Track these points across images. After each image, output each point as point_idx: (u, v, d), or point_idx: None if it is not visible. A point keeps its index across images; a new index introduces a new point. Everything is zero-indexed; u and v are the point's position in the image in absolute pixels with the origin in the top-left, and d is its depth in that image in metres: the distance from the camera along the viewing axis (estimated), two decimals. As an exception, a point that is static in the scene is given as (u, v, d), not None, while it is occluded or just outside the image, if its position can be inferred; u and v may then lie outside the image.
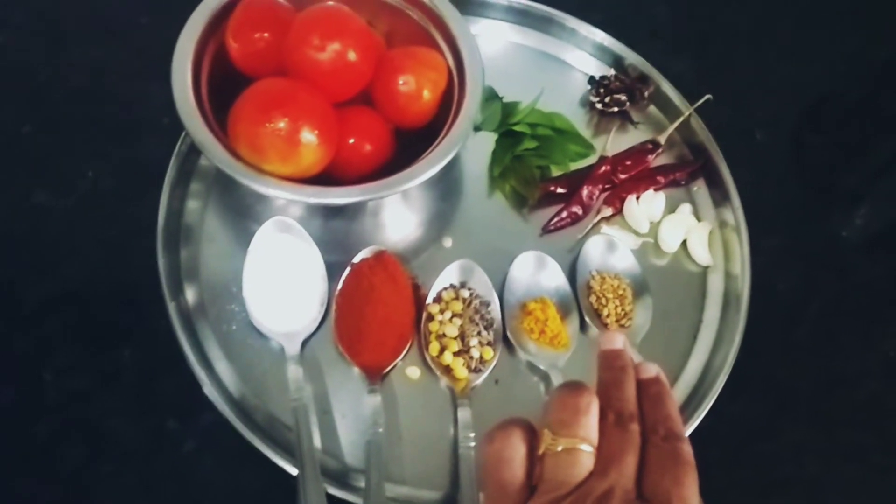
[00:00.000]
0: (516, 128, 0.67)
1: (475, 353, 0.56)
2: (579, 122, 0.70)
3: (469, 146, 0.67)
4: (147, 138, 0.66)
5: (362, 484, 0.51)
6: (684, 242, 0.65)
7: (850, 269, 0.68)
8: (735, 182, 0.66)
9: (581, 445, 0.33)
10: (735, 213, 0.65)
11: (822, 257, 0.68)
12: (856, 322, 0.66)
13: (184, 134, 0.61)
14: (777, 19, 0.83)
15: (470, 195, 0.66)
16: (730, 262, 0.64)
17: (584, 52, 0.74)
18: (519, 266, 0.61)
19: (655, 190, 0.67)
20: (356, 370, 0.56)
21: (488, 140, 0.68)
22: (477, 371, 0.56)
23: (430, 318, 0.58)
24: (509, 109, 0.69)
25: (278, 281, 0.58)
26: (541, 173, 0.67)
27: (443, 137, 0.57)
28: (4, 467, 0.53)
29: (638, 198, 0.66)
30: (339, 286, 0.58)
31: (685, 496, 0.32)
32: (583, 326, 0.60)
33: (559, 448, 0.33)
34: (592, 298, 0.61)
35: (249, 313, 0.57)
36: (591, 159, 0.68)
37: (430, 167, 0.55)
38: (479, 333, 0.57)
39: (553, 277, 0.61)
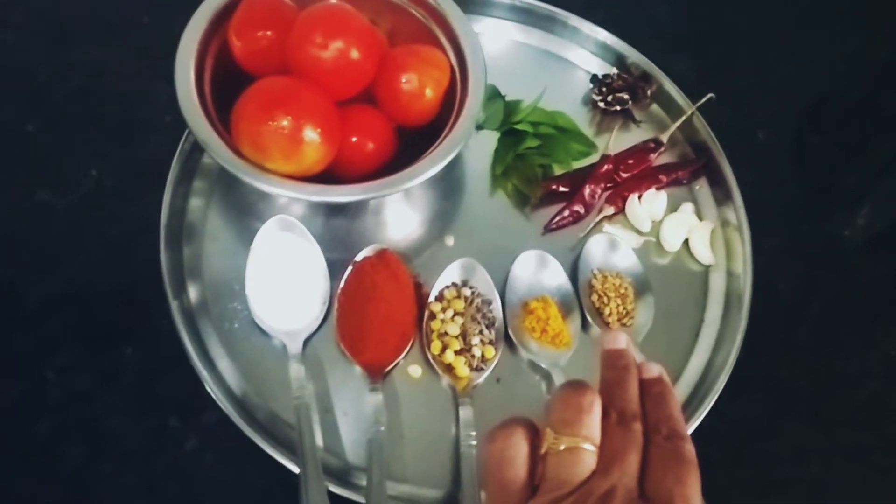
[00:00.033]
0: (518, 126, 0.67)
1: (477, 352, 0.56)
2: (581, 120, 0.70)
3: (471, 145, 0.67)
4: (149, 137, 0.66)
5: (364, 482, 0.51)
6: (686, 241, 0.65)
7: (851, 268, 0.68)
8: (737, 181, 0.66)
9: (583, 444, 0.33)
10: (737, 213, 0.65)
11: (823, 257, 0.68)
12: (857, 322, 0.66)
13: (186, 132, 0.61)
14: (777, 19, 0.83)
15: (472, 194, 0.66)
16: (731, 262, 0.64)
17: (587, 51, 0.74)
18: (521, 265, 0.61)
19: (657, 189, 0.67)
20: (358, 368, 0.56)
21: (490, 139, 0.68)
22: (478, 370, 0.56)
23: (432, 316, 0.58)
24: (512, 108, 0.69)
25: (280, 279, 0.58)
26: (543, 172, 0.67)
27: (445, 136, 0.57)
28: (5, 467, 0.53)
29: (640, 197, 0.66)
30: (341, 284, 0.58)
31: (687, 495, 0.32)
32: (584, 325, 0.60)
33: (561, 447, 0.33)
34: (594, 297, 0.61)
35: (252, 311, 0.57)
36: (594, 158, 0.68)
37: (432, 166, 0.55)
38: (480, 332, 0.57)
39: (555, 276, 0.61)
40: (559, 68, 0.74)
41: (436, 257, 0.61)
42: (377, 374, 0.55)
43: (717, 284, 0.64)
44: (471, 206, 0.65)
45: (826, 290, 0.67)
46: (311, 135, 0.53)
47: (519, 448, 0.34)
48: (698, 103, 0.68)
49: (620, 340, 0.39)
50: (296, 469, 0.50)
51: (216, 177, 0.63)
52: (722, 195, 0.67)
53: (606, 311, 0.59)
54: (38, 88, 0.68)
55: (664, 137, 0.69)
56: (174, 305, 0.56)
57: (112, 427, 0.54)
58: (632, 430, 0.34)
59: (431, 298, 0.59)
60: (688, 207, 0.67)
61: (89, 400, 0.55)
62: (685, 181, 0.68)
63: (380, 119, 0.60)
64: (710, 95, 0.68)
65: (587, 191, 0.65)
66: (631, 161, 0.67)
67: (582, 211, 0.65)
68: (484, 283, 0.59)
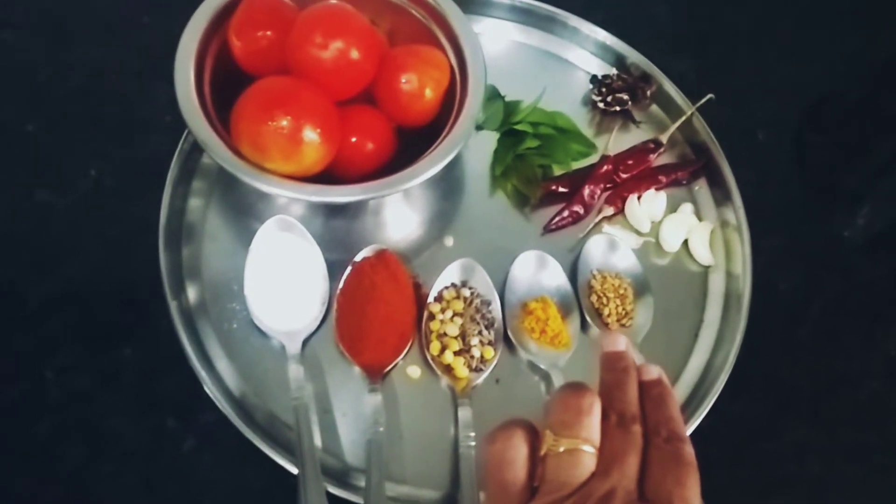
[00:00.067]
0: (518, 127, 0.67)
1: (476, 353, 0.56)
2: (581, 121, 0.70)
3: (471, 145, 0.67)
4: (149, 137, 0.66)
5: (363, 483, 0.51)
6: (686, 242, 0.65)
7: (851, 268, 0.68)
8: (736, 182, 0.66)
9: (583, 446, 0.33)
10: (736, 213, 0.65)
11: (823, 257, 0.68)
12: (857, 322, 0.66)
13: (186, 132, 0.61)
14: (777, 19, 0.83)
15: (471, 194, 0.66)
16: (731, 262, 0.64)
17: (587, 51, 0.74)
18: (520, 265, 0.61)
19: (657, 189, 0.67)
20: (357, 369, 0.56)
21: (490, 139, 0.68)
22: (478, 370, 0.56)
23: (431, 317, 0.58)
24: (511, 108, 0.69)
25: (280, 279, 0.58)
26: (542, 172, 0.67)
27: (445, 136, 0.57)
28: (4, 467, 0.53)
29: (639, 197, 0.66)
30: (341, 285, 0.58)
31: (687, 497, 0.32)
32: (584, 326, 0.60)
33: (561, 449, 0.33)
34: (593, 298, 0.61)
35: (251, 312, 0.57)
36: (593, 158, 0.68)
37: (431, 166, 0.55)
38: (479, 333, 0.57)
39: (554, 277, 0.61)
40: (559, 69, 0.74)
41: (435, 258, 0.61)
42: (376, 374, 0.55)
43: (717, 285, 0.64)
44: (470, 207, 0.65)
45: (826, 290, 0.66)
46: (310, 135, 0.53)
47: (518, 450, 0.34)
48: (698, 104, 0.68)
49: (620, 342, 0.39)
50: (294, 470, 0.50)
51: (215, 177, 0.63)
52: (721, 196, 0.67)
53: (606, 311, 0.59)
54: (38, 88, 0.68)
55: (664, 138, 0.69)
56: (173, 306, 0.56)
57: (111, 427, 0.54)
58: (631, 432, 0.34)
59: (431, 299, 0.59)
60: (687, 208, 0.67)
61: (89, 400, 0.55)
62: (685, 182, 0.68)
63: (379, 119, 0.60)
64: (709, 96, 0.68)
65: (587, 191, 0.65)
66: (630, 161, 0.67)
67: (581, 211, 0.65)
68: (483, 284, 0.59)
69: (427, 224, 0.64)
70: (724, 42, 0.81)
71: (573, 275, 0.62)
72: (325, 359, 0.57)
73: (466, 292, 0.59)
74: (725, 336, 0.61)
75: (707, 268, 0.65)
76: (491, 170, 0.67)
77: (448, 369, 0.56)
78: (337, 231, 0.62)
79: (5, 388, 0.55)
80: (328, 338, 0.57)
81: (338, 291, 0.58)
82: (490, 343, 0.57)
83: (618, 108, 0.70)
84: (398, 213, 0.65)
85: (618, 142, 0.69)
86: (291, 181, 0.54)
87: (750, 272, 0.63)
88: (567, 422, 0.34)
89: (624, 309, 0.60)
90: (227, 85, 0.57)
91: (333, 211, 0.62)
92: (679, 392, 0.59)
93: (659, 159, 0.69)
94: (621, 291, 0.60)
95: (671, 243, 0.64)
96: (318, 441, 0.53)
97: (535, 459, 0.34)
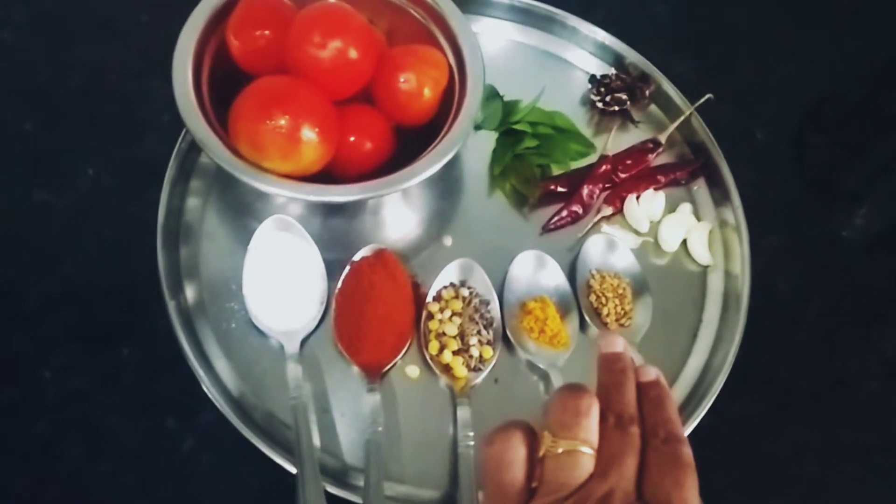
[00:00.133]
0: (517, 126, 0.67)
1: (475, 352, 0.56)
2: (580, 120, 0.70)
3: (469, 145, 0.67)
4: (147, 136, 0.66)
5: (361, 483, 0.51)
6: (684, 242, 0.65)
7: (850, 268, 0.68)
8: (735, 181, 0.66)
9: (581, 447, 0.33)
10: (735, 213, 0.65)
11: (822, 257, 0.68)
12: (856, 322, 0.66)
13: (184, 131, 0.61)
14: (777, 19, 0.83)
15: (470, 194, 0.66)
16: (730, 262, 0.64)
17: (585, 51, 0.74)
18: (519, 265, 0.61)
19: (656, 189, 0.67)
20: (355, 369, 0.56)
21: (489, 138, 0.68)
22: (476, 370, 0.56)
23: (430, 316, 0.58)
24: (510, 108, 0.69)
25: (278, 279, 0.58)
26: (541, 172, 0.67)
27: (443, 136, 0.57)
28: (4, 467, 0.53)
29: (638, 197, 0.66)
30: (339, 285, 0.58)
31: (685, 498, 0.32)
32: (582, 326, 0.60)
33: (559, 450, 0.33)
34: (592, 297, 0.60)
35: (249, 311, 0.57)
36: (592, 158, 0.68)
37: (430, 165, 0.55)
38: (478, 332, 0.57)
39: (553, 276, 0.61)
40: (558, 68, 0.74)
41: (434, 257, 0.61)
42: (375, 374, 0.55)
43: (716, 284, 0.64)
44: (469, 207, 0.65)
45: (825, 290, 0.66)
46: (308, 134, 0.53)
47: (517, 451, 0.34)
48: (697, 103, 0.68)
49: (617, 344, 0.39)
50: (293, 469, 0.50)
51: (213, 176, 0.63)
52: (720, 195, 0.67)
53: (604, 311, 0.59)
54: (37, 87, 0.68)
55: (662, 138, 0.68)
56: (171, 305, 0.56)
57: (110, 427, 0.54)
58: (629, 434, 0.34)
59: (429, 298, 0.59)
60: (686, 208, 0.66)
61: (87, 400, 0.55)
62: (683, 181, 0.68)
63: (378, 119, 0.60)
64: (708, 96, 0.68)
65: (585, 191, 0.65)
66: (629, 161, 0.67)
67: (580, 211, 0.65)
68: (482, 284, 0.59)
69: (426, 224, 0.64)
70: (724, 42, 0.81)
71: (572, 274, 0.62)
72: (324, 358, 0.57)
73: (465, 292, 0.59)
74: (724, 336, 0.61)
75: (706, 267, 0.64)
76: (489, 169, 0.67)
77: (447, 369, 0.56)
78: (335, 230, 0.62)
79: (4, 388, 0.55)
80: (327, 337, 0.57)
81: (336, 291, 0.58)
82: (489, 343, 0.57)
83: (616, 108, 0.70)
84: (397, 212, 0.65)
85: (616, 141, 0.69)
86: (290, 180, 0.54)
87: (749, 272, 0.62)
88: (565, 423, 0.34)
89: (623, 309, 0.60)
90: (225, 84, 0.56)
91: (332, 210, 0.62)
92: (678, 392, 0.59)
93: (658, 159, 0.69)
94: (620, 291, 0.60)
95: (670, 243, 0.64)
96: (316, 440, 0.53)
97: (534, 461, 0.34)
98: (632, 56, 0.72)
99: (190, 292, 0.58)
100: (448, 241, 0.63)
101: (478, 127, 0.68)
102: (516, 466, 0.34)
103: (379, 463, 0.51)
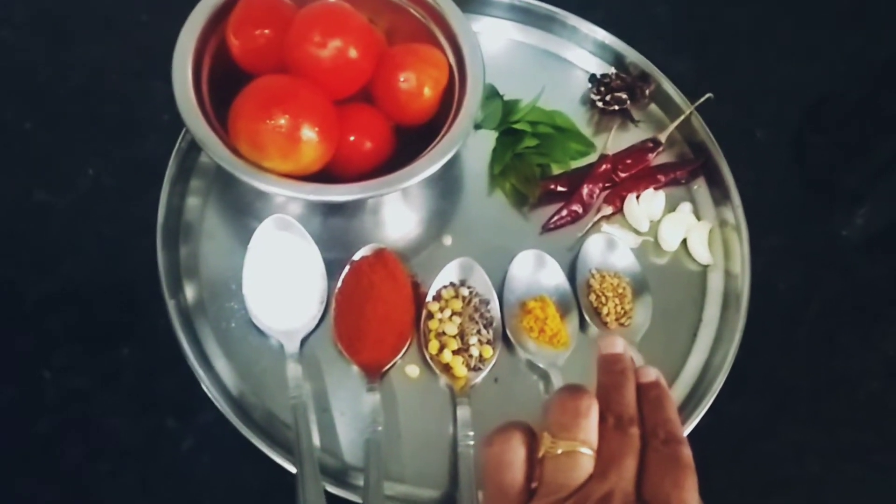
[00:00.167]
0: (517, 126, 0.67)
1: (474, 352, 0.56)
2: (580, 120, 0.70)
3: (469, 144, 0.67)
4: (147, 136, 0.66)
5: (361, 482, 0.51)
6: (684, 241, 0.65)
7: (850, 268, 0.68)
8: (735, 181, 0.66)
9: (581, 448, 0.33)
10: (735, 212, 0.65)
11: (822, 257, 0.68)
12: (856, 321, 0.66)
13: (184, 131, 0.61)
14: (777, 19, 0.83)
15: (470, 193, 0.66)
16: (730, 261, 0.64)
17: (585, 51, 0.74)
18: (519, 264, 0.61)
19: (656, 188, 0.67)
20: (355, 368, 0.56)
21: (489, 138, 0.68)
22: (476, 369, 0.56)
23: (430, 316, 0.58)
24: (510, 107, 0.69)
25: (278, 278, 0.57)
26: (541, 171, 0.67)
27: (443, 135, 0.57)
28: (4, 467, 0.53)
29: (638, 196, 0.66)
30: (339, 284, 0.58)
31: (685, 499, 0.32)
32: (582, 325, 0.60)
33: (559, 451, 0.33)
34: (592, 297, 0.60)
35: (249, 311, 0.57)
36: (592, 157, 0.68)
37: (430, 165, 0.55)
38: (478, 332, 0.57)
39: (553, 276, 0.61)
40: (558, 68, 0.73)
41: (433, 257, 0.61)
42: (374, 373, 0.55)
43: (716, 284, 0.64)
44: (469, 206, 0.65)
45: (825, 289, 0.66)
46: (308, 133, 0.53)
47: (516, 452, 0.34)
48: (696, 103, 0.68)
49: (617, 344, 0.39)
50: (293, 469, 0.50)
51: (213, 176, 0.63)
52: (720, 195, 0.67)
53: (604, 310, 0.59)
54: (37, 87, 0.68)
55: (662, 137, 0.68)
56: (171, 305, 0.56)
57: (110, 426, 0.54)
58: (629, 435, 0.34)
59: (429, 298, 0.59)
60: (686, 207, 0.66)
61: (87, 399, 0.55)
62: (683, 181, 0.68)
63: (378, 118, 0.60)
64: (708, 95, 0.68)
65: (585, 190, 0.65)
66: (629, 161, 0.67)
67: (580, 210, 0.65)
68: (482, 283, 0.59)
69: (425, 223, 0.64)
70: (724, 42, 0.81)
71: (572, 274, 0.62)
72: (324, 358, 0.57)
73: (465, 291, 0.59)
74: (724, 335, 0.61)
75: (706, 267, 0.64)
76: (489, 169, 0.67)
77: (447, 368, 0.56)
78: (335, 230, 0.62)
79: (4, 388, 0.55)
80: (326, 337, 0.57)
81: (336, 290, 0.58)
82: (489, 342, 0.57)
83: (616, 108, 0.70)
84: (396, 212, 0.65)
85: (616, 141, 0.69)
86: (289, 180, 0.54)
87: (749, 271, 0.62)
88: (565, 424, 0.34)
89: (622, 308, 0.60)
90: (225, 83, 0.56)
91: (332, 210, 0.62)
92: (677, 391, 0.59)
93: (658, 158, 0.69)
94: (620, 290, 0.60)
95: (670, 242, 0.64)
96: (316, 440, 0.53)
97: (533, 461, 0.34)
98: (632, 55, 0.72)
99: (190, 292, 0.58)
100: (448, 240, 0.63)
101: (478, 126, 0.68)
102: (516, 467, 0.34)
103: (379, 462, 0.51)
